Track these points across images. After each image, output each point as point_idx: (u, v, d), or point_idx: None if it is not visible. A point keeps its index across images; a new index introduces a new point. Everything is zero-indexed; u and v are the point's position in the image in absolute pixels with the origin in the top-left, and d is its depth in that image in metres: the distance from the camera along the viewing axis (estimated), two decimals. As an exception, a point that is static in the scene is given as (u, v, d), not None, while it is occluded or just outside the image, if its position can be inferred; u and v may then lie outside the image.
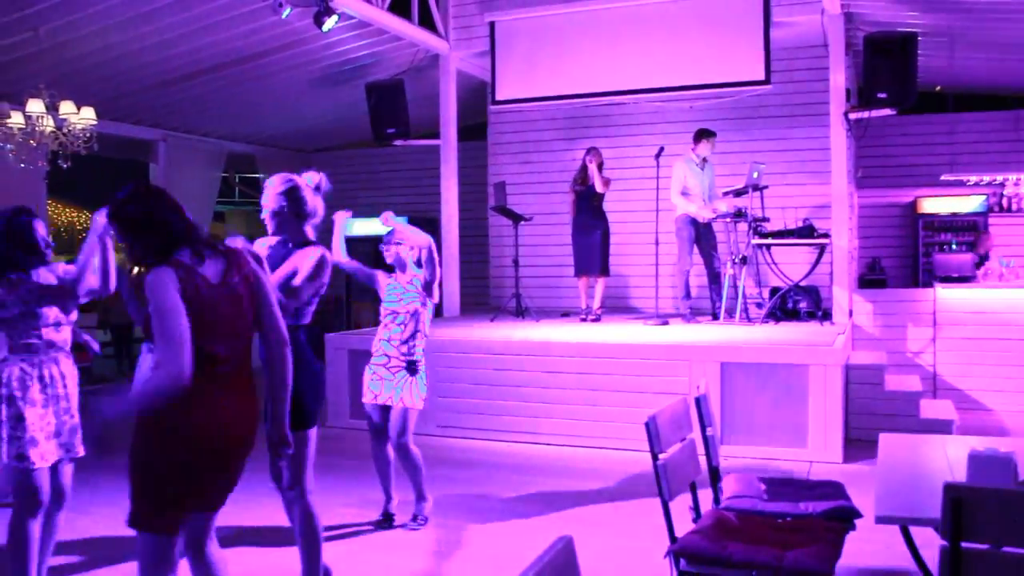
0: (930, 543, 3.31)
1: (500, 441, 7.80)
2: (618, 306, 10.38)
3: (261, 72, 10.05)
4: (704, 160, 9.28)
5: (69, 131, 8.14)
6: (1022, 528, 2.36)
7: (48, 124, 7.95)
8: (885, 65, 8.40)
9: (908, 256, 11.62)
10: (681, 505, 3.64)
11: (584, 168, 9.45)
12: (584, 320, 9.51)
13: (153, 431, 3.08)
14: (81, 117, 8.14)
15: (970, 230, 11.16)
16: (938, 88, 11.42)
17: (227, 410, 3.14)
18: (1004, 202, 11.27)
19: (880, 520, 2.90)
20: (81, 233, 21.58)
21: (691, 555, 3.36)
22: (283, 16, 7.95)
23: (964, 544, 2.40)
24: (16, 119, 7.84)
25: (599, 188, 9.30)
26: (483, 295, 12.04)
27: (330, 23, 8.29)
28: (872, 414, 7.42)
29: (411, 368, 5.40)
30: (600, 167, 9.39)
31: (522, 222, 9.95)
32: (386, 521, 5.53)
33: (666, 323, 9.02)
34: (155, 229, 3.10)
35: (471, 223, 11.96)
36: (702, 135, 9.29)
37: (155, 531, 3.13)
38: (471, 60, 10.64)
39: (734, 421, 7.04)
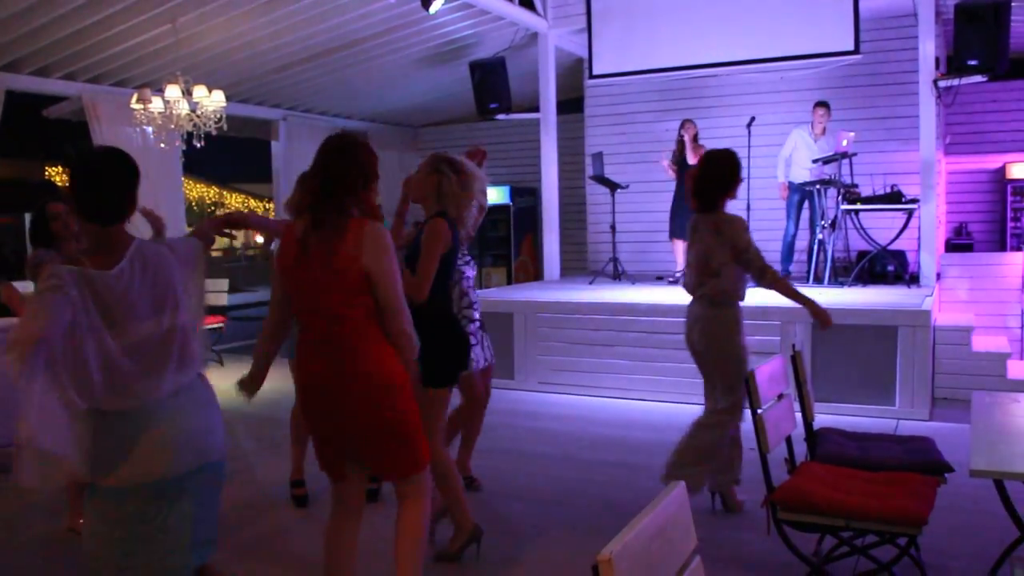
0: (1021, 497, 3.26)
1: (596, 396, 7.83)
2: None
3: (371, 54, 10.18)
4: (824, 131, 9.11)
5: (202, 113, 8.40)
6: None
7: (183, 107, 8.22)
8: (976, 32, 8.09)
9: (995, 221, 11.18)
10: (777, 457, 3.64)
11: (680, 140, 9.45)
12: (675, 282, 9.48)
13: None
14: (212, 100, 8.39)
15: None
16: (1030, 54, 10.89)
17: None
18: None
19: (975, 474, 2.85)
20: (210, 207, 22.01)
21: (787, 504, 3.37)
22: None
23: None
24: (156, 104, 8.12)
25: (689, 159, 9.27)
26: (581, 259, 12.09)
27: (436, 5, 8.35)
28: (959, 374, 7.24)
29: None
30: (695, 138, 9.34)
31: (618, 190, 9.95)
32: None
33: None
34: None
35: (570, 192, 12.01)
36: (814, 105, 9.22)
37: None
38: (568, 37, 10.58)
39: (823, 379, 6.93)
